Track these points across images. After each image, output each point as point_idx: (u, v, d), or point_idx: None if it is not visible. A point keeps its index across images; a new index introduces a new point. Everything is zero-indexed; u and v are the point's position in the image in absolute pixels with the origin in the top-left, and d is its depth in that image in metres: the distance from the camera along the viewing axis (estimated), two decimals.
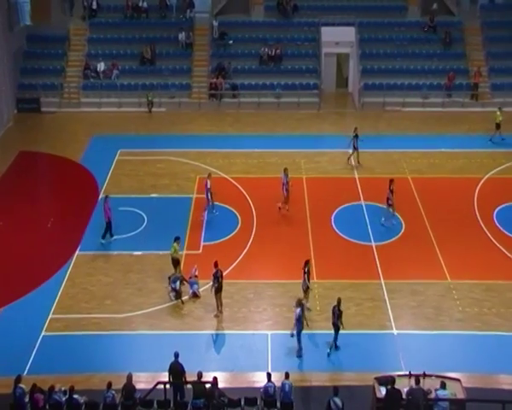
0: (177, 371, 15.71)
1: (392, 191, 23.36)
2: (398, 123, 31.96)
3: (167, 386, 15.53)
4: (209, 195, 23.84)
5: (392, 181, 23.59)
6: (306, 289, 19.03)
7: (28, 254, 22.17)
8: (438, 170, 27.36)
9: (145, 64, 34.80)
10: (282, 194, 23.96)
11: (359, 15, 35.79)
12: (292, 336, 17.49)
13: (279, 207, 24.04)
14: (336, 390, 14.90)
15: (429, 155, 28.51)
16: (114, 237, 22.65)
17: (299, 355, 17.59)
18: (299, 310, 17.26)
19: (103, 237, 22.46)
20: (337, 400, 14.79)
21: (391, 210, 23.49)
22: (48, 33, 35.17)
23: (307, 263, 19.10)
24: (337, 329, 17.68)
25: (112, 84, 34.10)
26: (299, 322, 17.30)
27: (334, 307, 17.64)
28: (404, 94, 33.47)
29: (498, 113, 29.37)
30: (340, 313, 17.58)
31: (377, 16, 36.14)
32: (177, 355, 15.81)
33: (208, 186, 23.77)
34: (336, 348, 17.79)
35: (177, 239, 20.58)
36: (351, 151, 27.47)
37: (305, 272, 18.96)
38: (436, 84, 33.88)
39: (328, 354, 17.62)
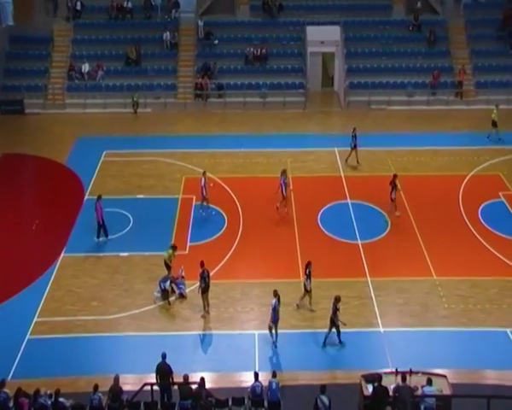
0: (164, 371, 15.66)
1: (394, 186, 23.46)
2: (383, 121, 32.08)
3: (155, 387, 15.49)
4: (204, 192, 23.75)
5: (395, 176, 23.71)
6: (310, 291, 19.09)
7: (13, 256, 21.99)
8: (423, 168, 27.49)
9: (130, 65, 34.67)
10: (280, 194, 23.80)
11: (344, 14, 35.91)
12: (270, 328, 17.77)
13: (286, 212, 23.91)
14: (323, 389, 14.93)
15: (414, 152, 28.64)
16: (101, 238, 22.57)
17: (275, 346, 17.82)
18: (274, 301, 17.64)
19: (98, 236, 22.54)
20: (324, 398, 14.82)
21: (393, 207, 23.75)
22: (31, 34, 34.95)
23: (309, 265, 19.08)
24: (332, 325, 17.76)
25: (97, 85, 33.95)
26: (275, 312, 17.64)
27: (333, 303, 17.76)
28: (390, 92, 33.60)
29: (495, 110, 29.38)
30: (336, 309, 17.62)
31: (362, 15, 36.25)
32: (164, 356, 15.76)
33: (202, 184, 23.70)
34: (324, 345, 17.85)
35: (174, 247, 20.39)
36: (354, 150, 27.20)
37: (306, 274, 19.00)
38: (421, 82, 34.03)
39: (340, 342, 17.88)
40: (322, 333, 18.22)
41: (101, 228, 22.47)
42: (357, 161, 27.42)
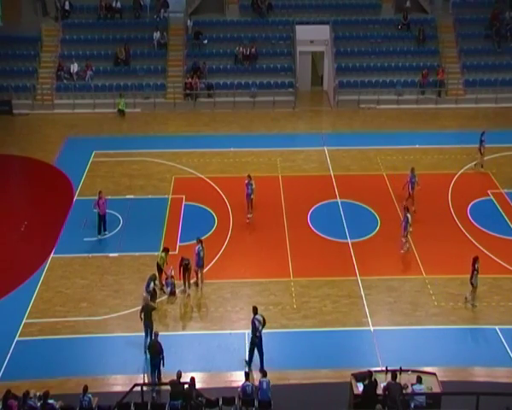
0: (156, 349, 16.24)
1: None
2: (372, 120, 32.16)
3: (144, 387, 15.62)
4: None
5: None
6: (476, 286, 19.24)
7: (1, 258, 21.86)
8: (412, 166, 27.49)
9: (119, 65, 34.54)
10: (406, 192, 23.84)
11: (334, 13, 35.98)
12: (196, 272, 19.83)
13: (414, 211, 23.40)
14: (256, 310, 16.92)
15: (404, 151, 28.71)
16: (100, 235, 22.72)
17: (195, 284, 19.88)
18: (198, 247, 19.68)
19: (99, 232, 22.70)
20: (258, 316, 16.86)
21: None
22: (20, 34, 34.73)
23: (476, 260, 19.16)
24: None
25: (86, 85, 33.79)
26: (199, 257, 19.62)
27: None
28: (379, 91, 33.68)
29: None
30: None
31: (351, 14, 36.32)
32: (156, 335, 16.54)
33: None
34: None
35: (166, 250, 20.27)
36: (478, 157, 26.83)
37: (475, 269, 19.05)
38: (410, 81, 34.12)
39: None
40: (313, 332, 18.27)
41: (102, 222, 22.60)
42: (482, 166, 26.82)
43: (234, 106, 33.44)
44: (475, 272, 19.15)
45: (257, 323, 16.82)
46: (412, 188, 23.78)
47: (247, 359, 17.21)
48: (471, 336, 18.38)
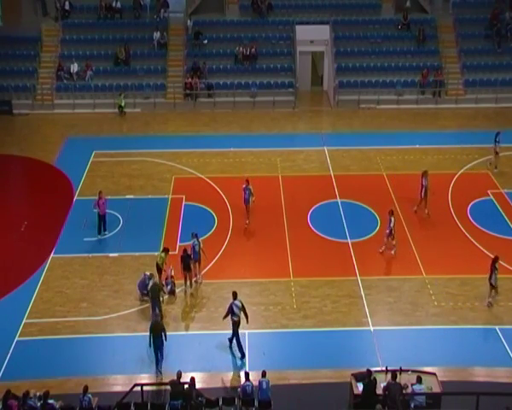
0: (159, 328, 16.74)
1: None
2: (372, 120, 32.16)
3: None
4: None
5: None
6: (496, 285, 19.24)
7: (2, 258, 21.86)
8: (412, 166, 27.50)
9: (119, 65, 34.55)
10: (419, 196, 23.66)
11: (334, 13, 35.97)
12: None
13: (415, 211, 23.75)
14: (235, 295, 17.34)
15: (404, 151, 28.72)
16: (100, 235, 22.75)
17: (199, 281, 20.12)
18: (193, 241, 19.95)
19: (99, 232, 22.73)
20: (237, 302, 17.31)
21: None
22: (20, 34, 34.73)
23: (496, 260, 19.17)
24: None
25: (86, 85, 33.80)
26: (195, 252, 19.83)
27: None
28: (379, 91, 33.69)
29: None
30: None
31: (351, 14, 36.33)
32: (157, 315, 17.41)
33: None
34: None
35: (166, 250, 20.24)
36: (493, 157, 26.72)
37: (496, 268, 19.06)
38: (410, 81, 34.13)
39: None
40: (313, 332, 18.31)
41: (103, 222, 22.64)
42: (496, 167, 26.74)
43: (234, 106, 33.44)
44: (495, 271, 19.12)
45: (235, 308, 17.18)
46: (425, 193, 23.56)
47: (239, 355, 17.30)
48: (471, 336, 18.37)
